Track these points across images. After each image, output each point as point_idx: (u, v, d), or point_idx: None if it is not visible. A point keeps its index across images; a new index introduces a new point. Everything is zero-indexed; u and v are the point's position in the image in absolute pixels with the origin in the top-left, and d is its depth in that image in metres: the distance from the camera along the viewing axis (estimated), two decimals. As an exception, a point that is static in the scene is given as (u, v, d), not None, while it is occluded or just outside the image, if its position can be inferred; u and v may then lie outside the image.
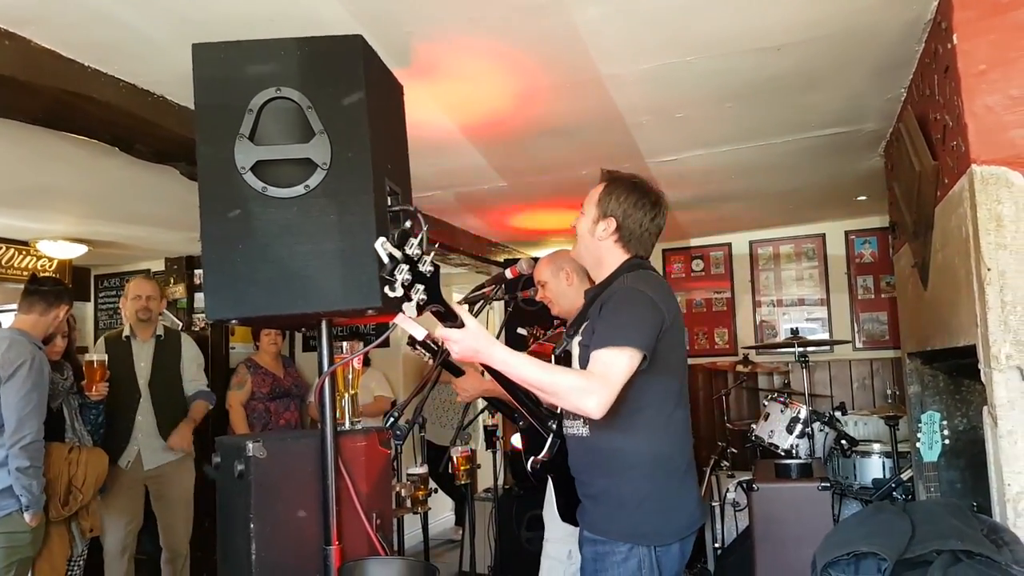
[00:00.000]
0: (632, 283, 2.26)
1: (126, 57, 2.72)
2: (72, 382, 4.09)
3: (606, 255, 2.41)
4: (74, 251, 5.86)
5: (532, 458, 2.42)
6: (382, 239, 1.78)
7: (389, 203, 2.11)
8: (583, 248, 2.47)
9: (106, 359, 4.23)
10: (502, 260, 6.79)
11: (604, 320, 2.17)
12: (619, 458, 2.24)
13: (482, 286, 2.98)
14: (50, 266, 6.19)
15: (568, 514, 2.48)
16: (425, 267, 1.82)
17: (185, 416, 4.86)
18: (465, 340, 1.97)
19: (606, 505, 2.27)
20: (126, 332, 4.80)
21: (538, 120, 3.58)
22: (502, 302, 4.99)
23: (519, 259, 2.82)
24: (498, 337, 3.60)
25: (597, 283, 2.44)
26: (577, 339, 2.36)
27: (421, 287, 1.81)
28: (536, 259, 3.38)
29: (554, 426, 2.44)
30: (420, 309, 1.85)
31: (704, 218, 6.18)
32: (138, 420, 4.65)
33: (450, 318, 1.96)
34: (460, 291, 7.81)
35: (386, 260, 1.78)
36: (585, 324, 2.33)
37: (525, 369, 2.02)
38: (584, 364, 2.21)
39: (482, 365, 2.13)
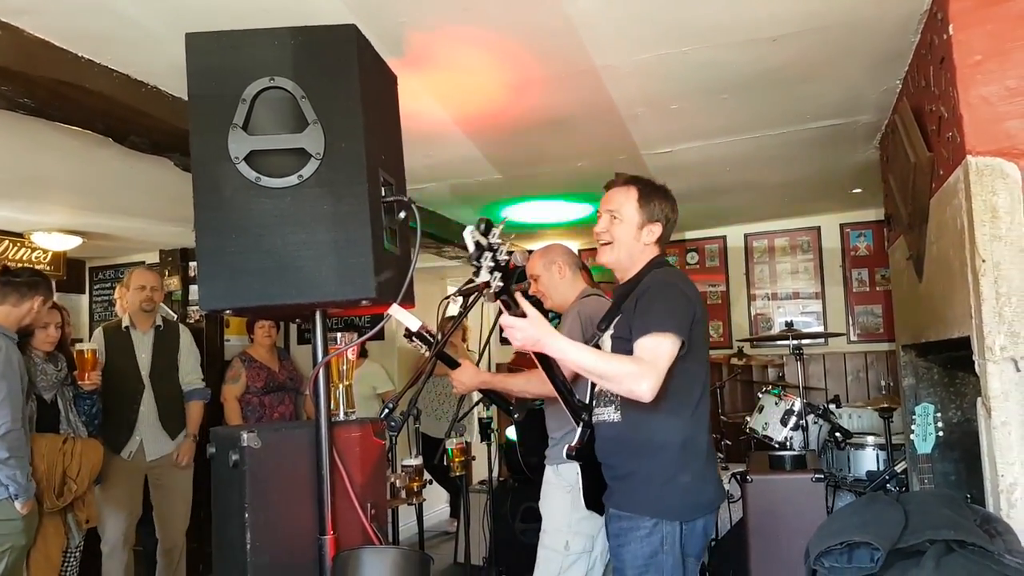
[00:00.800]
0: (664, 277, 2.42)
1: (120, 47, 2.71)
2: (66, 373, 4.08)
3: (641, 256, 2.55)
4: (68, 243, 5.85)
5: (567, 445, 2.51)
6: (470, 227, 1.93)
7: (383, 194, 2.11)
8: (624, 253, 2.56)
9: (97, 348, 4.20)
10: (497, 253, 6.77)
11: (643, 310, 2.31)
12: (650, 441, 2.37)
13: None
14: (44, 258, 6.17)
15: (592, 501, 2.55)
16: (502, 256, 1.96)
17: (182, 408, 4.87)
18: (528, 329, 2.09)
19: (634, 484, 2.41)
20: (125, 323, 4.78)
21: (533, 112, 3.57)
22: (497, 294, 4.98)
23: (513, 252, 2.81)
24: (491, 331, 3.62)
25: (624, 281, 2.58)
26: (609, 332, 2.50)
27: (499, 274, 1.98)
28: (531, 252, 3.38)
29: (586, 417, 2.52)
30: (496, 296, 2.03)
31: (699, 211, 6.17)
32: (141, 411, 4.64)
33: (514, 306, 2.09)
34: (454, 284, 7.81)
35: (472, 248, 1.93)
36: (618, 318, 2.48)
37: (583, 357, 2.16)
38: None
39: (533, 353, 2.25)
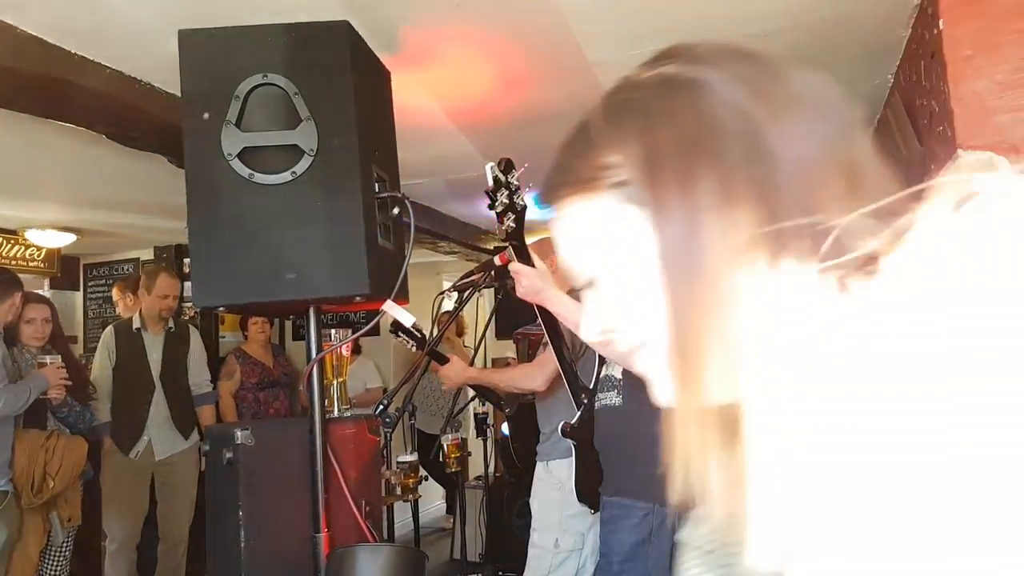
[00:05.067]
0: None
1: (112, 44, 2.70)
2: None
3: None
4: (62, 240, 5.83)
5: (563, 422, 2.49)
6: (491, 163, 2.00)
7: (377, 190, 2.11)
8: None
9: (59, 358, 4.01)
10: (492, 248, 6.78)
11: None
12: (652, 426, 2.31)
13: (471, 273, 2.99)
14: (39, 255, 6.15)
15: (584, 489, 2.54)
16: (519, 199, 1.94)
17: (193, 406, 4.92)
18: (533, 277, 2.10)
19: (633, 468, 2.36)
20: (136, 324, 4.77)
21: (526, 106, 3.57)
22: (491, 289, 4.99)
23: (508, 246, 2.82)
24: (487, 326, 3.63)
25: None
26: None
27: (512, 215, 2.01)
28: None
29: (586, 400, 2.50)
30: (507, 236, 2.04)
31: (694, 206, 6.18)
32: (152, 411, 4.66)
33: (524, 257, 2.12)
34: (449, 279, 7.81)
35: (491, 182, 1.99)
36: None
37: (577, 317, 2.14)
38: None
39: (544, 324, 2.29)
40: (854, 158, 0.63)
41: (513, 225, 2.00)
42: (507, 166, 1.96)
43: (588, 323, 0.71)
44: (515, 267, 2.12)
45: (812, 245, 0.58)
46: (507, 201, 1.95)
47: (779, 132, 0.61)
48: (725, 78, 0.63)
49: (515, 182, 1.97)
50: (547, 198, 0.71)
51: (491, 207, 2.00)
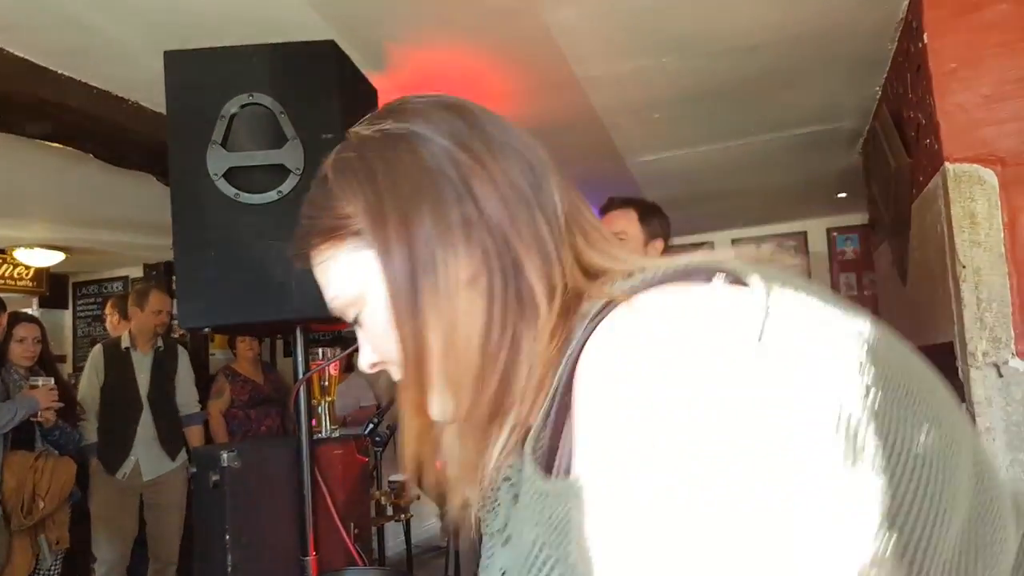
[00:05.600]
0: None
1: (99, 64, 2.70)
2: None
3: None
4: (51, 258, 5.81)
5: None
6: None
7: (364, 208, 2.10)
8: None
9: (51, 381, 3.97)
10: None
11: None
12: None
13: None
14: (27, 274, 6.13)
15: None
16: None
17: (181, 426, 4.85)
18: None
19: None
20: (125, 343, 4.71)
21: (515, 121, 3.54)
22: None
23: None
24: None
25: None
26: None
27: None
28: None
29: None
30: None
31: (685, 217, 6.18)
32: (139, 431, 4.57)
33: None
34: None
35: None
36: None
37: None
38: None
39: None
40: (547, 194, 0.71)
41: None
42: None
43: (361, 357, 0.77)
44: None
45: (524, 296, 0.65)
46: None
47: (482, 174, 0.68)
48: (433, 128, 0.71)
49: None
50: (302, 247, 0.76)
51: None
